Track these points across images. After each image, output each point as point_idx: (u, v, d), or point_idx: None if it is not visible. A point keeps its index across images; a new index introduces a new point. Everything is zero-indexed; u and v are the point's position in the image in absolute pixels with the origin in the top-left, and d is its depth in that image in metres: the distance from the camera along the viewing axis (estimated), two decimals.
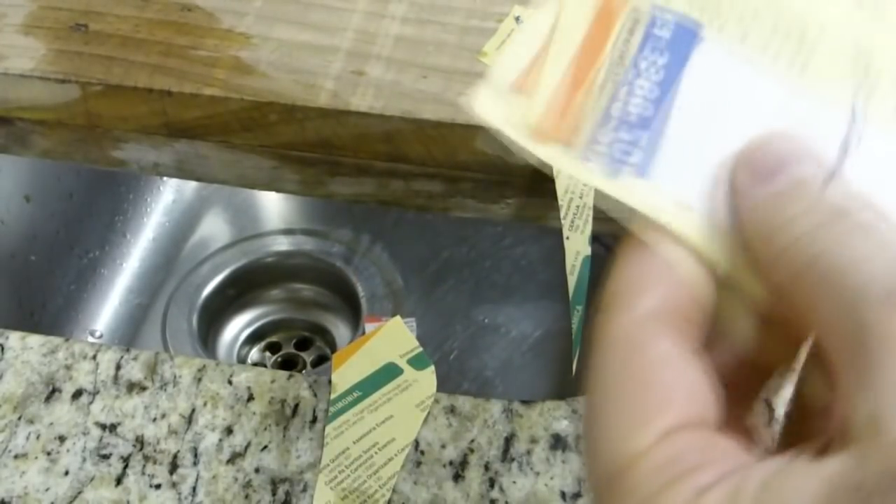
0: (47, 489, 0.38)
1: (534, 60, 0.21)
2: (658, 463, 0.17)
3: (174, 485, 0.38)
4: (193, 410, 0.40)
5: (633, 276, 0.19)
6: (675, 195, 0.20)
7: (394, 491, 0.37)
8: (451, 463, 0.38)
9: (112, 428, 0.39)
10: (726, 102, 0.20)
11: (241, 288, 0.72)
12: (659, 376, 0.18)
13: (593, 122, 0.21)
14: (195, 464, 0.38)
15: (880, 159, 0.19)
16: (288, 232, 0.75)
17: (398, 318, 0.44)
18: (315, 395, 0.40)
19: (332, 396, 0.40)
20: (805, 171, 0.19)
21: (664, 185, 0.20)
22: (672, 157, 0.20)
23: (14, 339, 0.42)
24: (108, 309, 0.71)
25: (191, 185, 0.77)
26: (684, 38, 0.20)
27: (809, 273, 0.17)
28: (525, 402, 0.40)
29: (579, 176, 0.20)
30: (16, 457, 0.39)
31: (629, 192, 0.20)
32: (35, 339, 0.42)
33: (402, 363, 0.41)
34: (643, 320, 0.18)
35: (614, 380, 0.18)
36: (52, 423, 0.39)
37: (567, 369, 0.42)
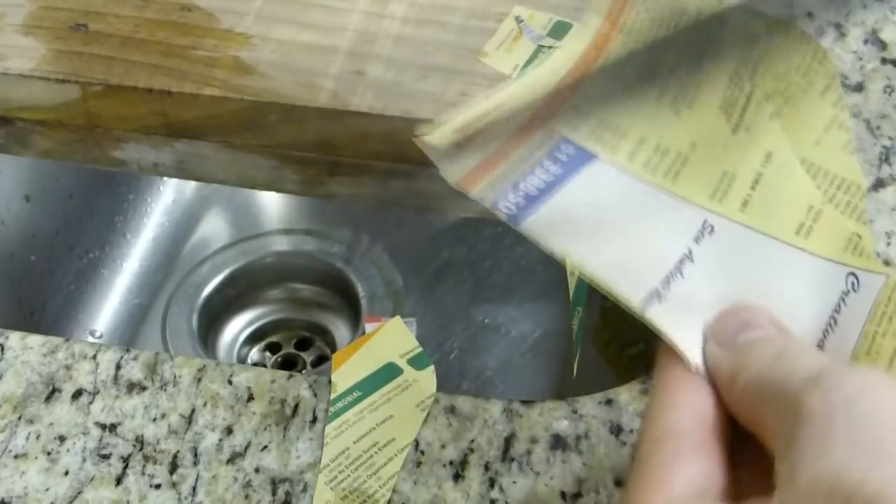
0: (47, 489, 0.38)
1: (479, 127, 0.28)
2: None
3: (174, 485, 0.38)
4: (193, 410, 0.40)
5: (667, 393, 0.26)
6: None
7: (394, 491, 0.37)
8: (451, 463, 0.38)
9: (112, 428, 0.39)
10: (601, 201, 0.28)
11: (241, 288, 0.72)
12: (665, 470, 0.24)
13: (504, 186, 0.28)
14: (195, 464, 0.38)
15: (726, 242, 0.27)
16: (288, 232, 0.75)
17: (398, 318, 0.44)
18: (315, 395, 0.40)
19: (332, 396, 0.40)
20: (756, 334, 0.25)
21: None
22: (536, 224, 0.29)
23: (14, 339, 0.42)
24: (108, 309, 0.71)
25: (191, 185, 0.77)
26: (580, 159, 0.28)
27: (760, 398, 0.23)
28: (525, 402, 0.40)
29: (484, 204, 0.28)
30: (16, 457, 0.39)
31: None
32: (35, 339, 0.42)
33: (402, 363, 0.41)
34: (667, 431, 0.25)
35: (638, 467, 0.24)
36: (52, 423, 0.39)
37: (567, 369, 0.42)
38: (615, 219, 0.28)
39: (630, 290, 0.26)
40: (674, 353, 0.26)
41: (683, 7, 0.30)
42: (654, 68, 0.29)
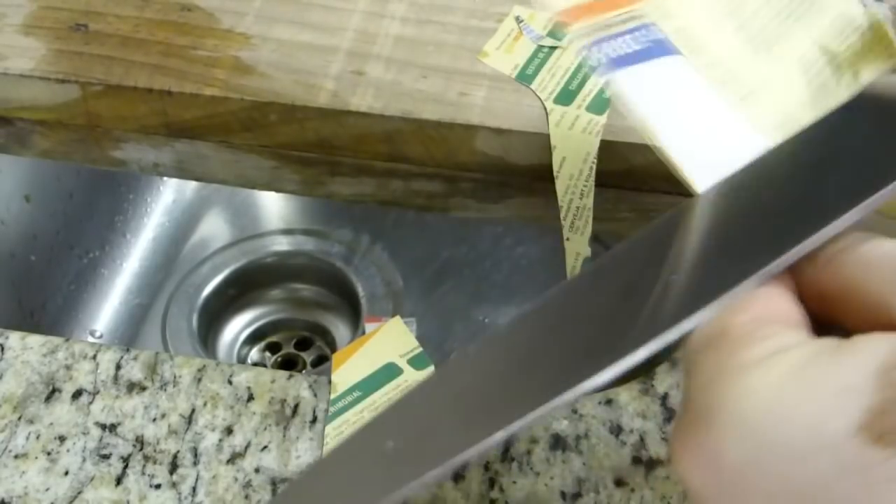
0: (47, 489, 0.38)
1: None
2: (751, 326, 0.22)
3: (174, 485, 0.38)
4: (193, 410, 0.40)
5: None
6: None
7: None
8: None
9: (112, 428, 0.39)
10: (674, 92, 0.30)
11: (241, 288, 0.72)
12: (759, 293, 0.23)
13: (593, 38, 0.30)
14: (195, 464, 0.38)
15: None
16: (288, 232, 0.75)
17: (398, 318, 0.44)
18: (315, 395, 0.40)
19: (332, 396, 0.40)
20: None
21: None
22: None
23: (14, 339, 0.42)
24: (108, 309, 0.71)
25: (191, 185, 0.77)
26: (661, 49, 0.29)
27: (859, 261, 0.22)
28: None
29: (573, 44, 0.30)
30: (16, 457, 0.39)
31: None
32: (35, 339, 0.42)
33: (402, 363, 0.41)
34: None
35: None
36: (52, 423, 0.39)
37: None
38: (685, 112, 0.29)
39: (695, 177, 0.27)
40: None
41: None
42: (735, 7, 0.30)
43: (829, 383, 0.20)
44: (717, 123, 0.29)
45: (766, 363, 0.21)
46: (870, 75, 0.30)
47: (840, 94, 0.29)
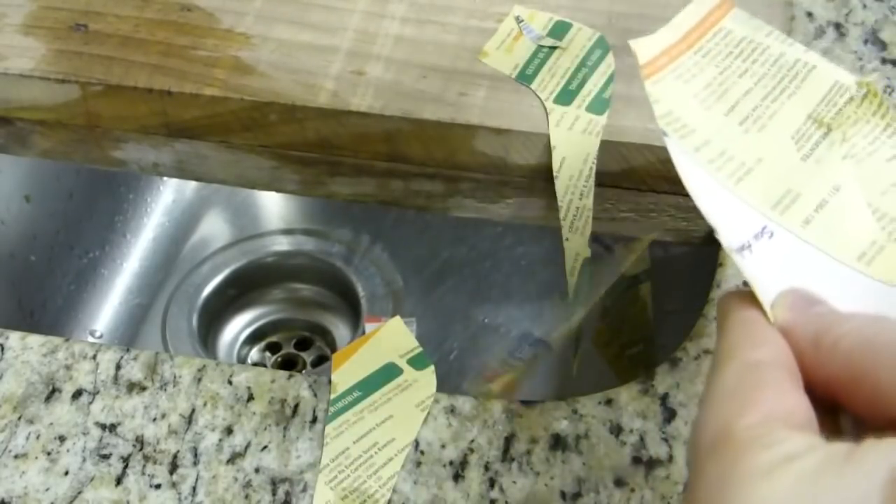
0: (47, 489, 0.38)
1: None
2: (758, 430, 0.21)
3: (174, 485, 0.38)
4: (193, 410, 0.40)
5: (747, 334, 0.25)
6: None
7: (394, 491, 0.37)
8: (451, 463, 0.38)
9: (112, 428, 0.39)
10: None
11: (241, 288, 0.72)
12: (768, 387, 0.23)
13: None
14: (195, 464, 0.38)
15: (785, 249, 0.27)
16: (288, 232, 0.75)
17: (398, 318, 0.44)
18: (315, 395, 0.40)
19: (332, 396, 0.40)
20: (829, 307, 0.26)
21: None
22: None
23: (14, 339, 0.42)
24: (108, 309, 0.71)
25: (191, 185, 0.77)
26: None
27: (869, 349, 0.23)
28: (525, 402, 0.40)
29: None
30: (16, 457, 0.39)
31: None
32: (35, 339, 0.42)
33: (402, 363, 0.41)
34: (758, 362, 0.24)
35: (732, 388, 0.23)
36: (52, 423, 0.39)
37: (567, 369, 0.42)
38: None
39: (723, 236, 0.27)
40: (745, 301, 0.26)
41: (766, 46, 0.31)
42: (725, 88, 0.30)
43: (838, 496, 0.20)
44: (715, 207, 0.28)
45: (775, 473, 0.20)
46: (859, 136, 0.30)
47: (833, 159, 0.29)
